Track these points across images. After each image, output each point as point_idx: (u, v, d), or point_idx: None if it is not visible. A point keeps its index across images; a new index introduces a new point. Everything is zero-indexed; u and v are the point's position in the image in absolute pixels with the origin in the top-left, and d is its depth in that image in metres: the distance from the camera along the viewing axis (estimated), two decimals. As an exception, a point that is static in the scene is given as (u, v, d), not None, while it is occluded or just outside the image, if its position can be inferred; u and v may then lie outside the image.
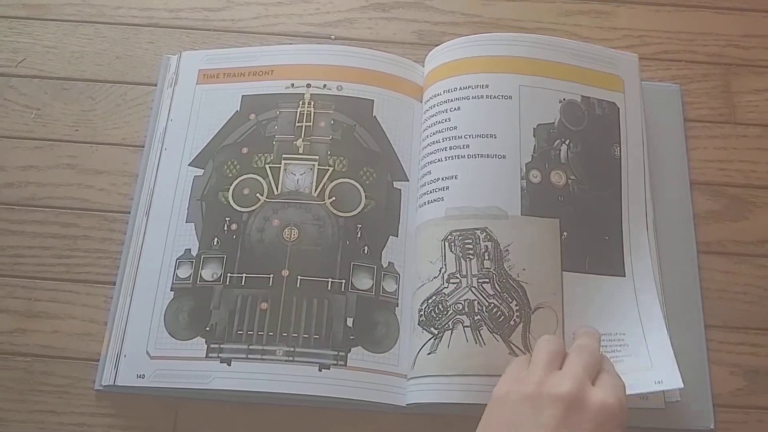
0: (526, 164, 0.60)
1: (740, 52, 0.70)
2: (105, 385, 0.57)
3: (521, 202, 0.59)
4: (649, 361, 0.53)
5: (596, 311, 0.57)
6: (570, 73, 0.63)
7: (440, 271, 0.57)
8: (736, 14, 0.72)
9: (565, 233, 0.58)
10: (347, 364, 0.57)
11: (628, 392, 0.49)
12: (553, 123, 0.61)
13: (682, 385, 0.52)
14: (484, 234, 0.58)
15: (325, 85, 0.65)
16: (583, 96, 0.63)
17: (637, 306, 0.57)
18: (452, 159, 0.60)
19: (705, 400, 0.57)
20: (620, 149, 0.62)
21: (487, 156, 0.60)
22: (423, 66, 0.67)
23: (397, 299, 0.59)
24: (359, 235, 0.60)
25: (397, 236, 0.61)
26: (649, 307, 0.56)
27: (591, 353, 0.51)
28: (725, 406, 0.57)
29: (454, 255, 0.58)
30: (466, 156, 0.60)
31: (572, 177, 0.60)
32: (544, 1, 0.73)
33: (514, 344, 0.55)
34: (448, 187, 0.60)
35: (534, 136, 0.61)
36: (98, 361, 0.58)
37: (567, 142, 0.61)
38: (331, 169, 0.62)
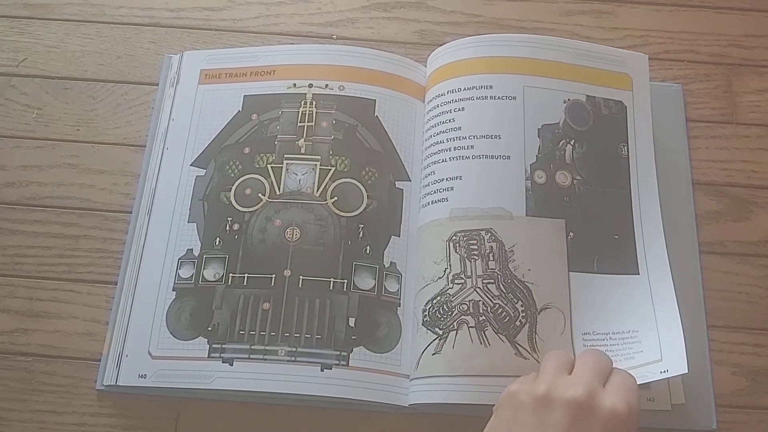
0: (530, 165, 0.60)
1: (742, 52, 0.70)
2: (107, 385, 0.57)
3: (526, 203, 0.59)
4: (660, 354, 0.53)
5: (607, 310, 0.56)
6: (574, 73, 0.63)
7: (445, 271, 0.57)
8: (738, 14, 0.72)
9: (571, 233, 0.58)
10: (349, 364, 0.56)
11: None
12: (558, 123, 0.62)
13: (686, 371, 0.51)
14: (489, 235, 0.58)
15: (326, 85, 0.65)
16: (588, 96, 0.63)
17: (653, 302, 0.56)
18: (456, 159, 0.60)
19: (707, 400, 0.57)
20: (628, 148, 0.62)
21: (492, 157, 0.60)
22: (425, 66, 0.67)
23: (400, 299, 0.59)
24: (361, 235, 0.60)
25: (399, 236, 0.61)
26: (664, 301, 0.56)
27: (601, 355, 0.51)
28: (727, 406, 0.57)
29: (458, 255, 0.58)
30: (470, 157, 0.60)
31: (578, 177, 0.60)
32: (545, 1, 0.73)
33: (520, 345, 0.55)
34: (452, 188, 0.59)
35: (538, 136, 0.61)
36: (100, 361, 0.58)
37: (572, 143, 0.61)
38: (333, 169, 0.62)
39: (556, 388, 0.47)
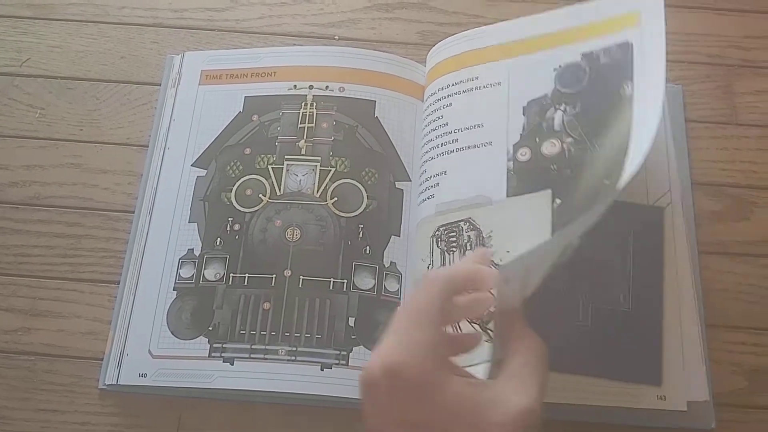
0: (513, 145, 0.60)
1: (741, 53, 0.70)
2: (108, 384, 0.57)
3: (507, 184, 0.58)
4: None
5: None
6: (567, 37, 0.61)
7: (428, 267, 0.58)
8: (738, 15, 0.72)
9: (557, 200, 0.57)
10: (349, 364, 0.57)
11: None
12: (546, 95, 0.61)
13: None
14: (468, 224, 0.58)
15: (327, 87, 0.66)
16: (583, 54, 0.60)
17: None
18: (443, 155, 0.61)
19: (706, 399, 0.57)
20: (633, 85, 0.56)
21: (474, 146, 0.60)
22: (425, 66, 0.67)
23: (399, 299, 0.59)
24: (361, 235, 0.61)
25: (399, 236, 0.61)
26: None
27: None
28: (726, 405, 0.57)
29: (440, 250, 0.58)
30: (454, 150, 0.61)
31: (568, 139, 0.59)
32: (546, 2, 0.73)
33: (492, 331, 0.53)
34: (438, 184, 0.60)
35: (523, 114, 0.60)
36: (102, 360, 0.58)
37: (562, 107, 0.60)
38: (333, 169, 0.63)
39: None
